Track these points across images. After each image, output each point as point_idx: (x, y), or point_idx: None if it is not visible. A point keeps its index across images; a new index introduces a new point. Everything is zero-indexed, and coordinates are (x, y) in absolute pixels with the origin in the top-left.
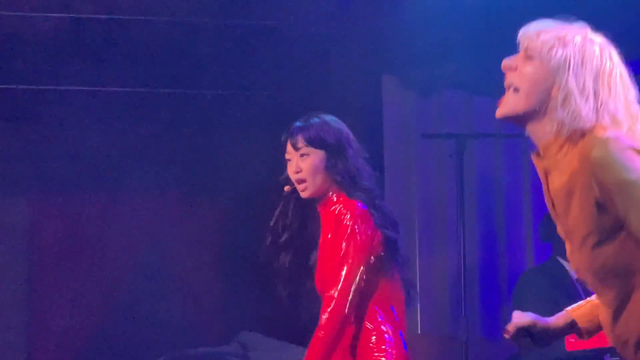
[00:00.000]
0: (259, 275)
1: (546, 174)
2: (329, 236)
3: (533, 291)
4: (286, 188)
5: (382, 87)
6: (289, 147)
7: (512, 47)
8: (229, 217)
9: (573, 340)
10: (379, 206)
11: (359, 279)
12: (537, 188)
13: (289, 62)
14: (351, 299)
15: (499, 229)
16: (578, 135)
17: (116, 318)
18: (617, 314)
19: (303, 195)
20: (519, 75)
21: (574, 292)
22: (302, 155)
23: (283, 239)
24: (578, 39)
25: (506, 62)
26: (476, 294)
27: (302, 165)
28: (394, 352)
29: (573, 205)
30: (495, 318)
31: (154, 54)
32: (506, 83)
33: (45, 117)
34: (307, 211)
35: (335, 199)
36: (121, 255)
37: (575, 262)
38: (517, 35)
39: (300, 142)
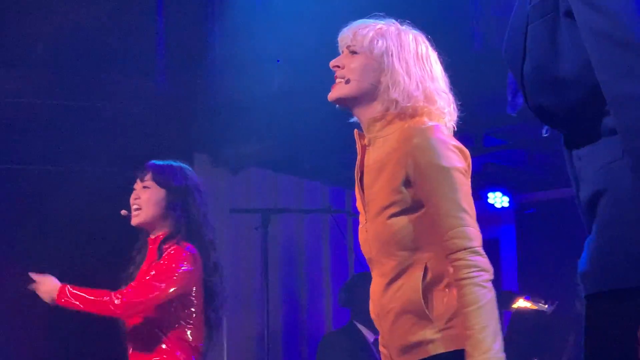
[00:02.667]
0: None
1: (365, 149)
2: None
3: (335, 353)
4: (122, 212)
5: (194, 164)
6: (138, 179)
7: (313, 131)
8: None
9: None
10: (208, 255)
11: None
12: (335, 259)
13: (111, 140)
14: None
15: (301, 295)
16: (403, 116)
17: None
18: (390, 285)
19: (132, 221)
20: (348, 70)
21: (370, 353)
22: (144, 187)
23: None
24: (393, 28)
25: (334, 62)
26: (280, 355)
27: (141, 195)
28: None
29: (382, 177)
30: None
31: None
32: (337, 76)
33: None
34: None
35: (166, 245)
36: None
37: (367, 232)
38: (320, 118)
39: (147, 176)
